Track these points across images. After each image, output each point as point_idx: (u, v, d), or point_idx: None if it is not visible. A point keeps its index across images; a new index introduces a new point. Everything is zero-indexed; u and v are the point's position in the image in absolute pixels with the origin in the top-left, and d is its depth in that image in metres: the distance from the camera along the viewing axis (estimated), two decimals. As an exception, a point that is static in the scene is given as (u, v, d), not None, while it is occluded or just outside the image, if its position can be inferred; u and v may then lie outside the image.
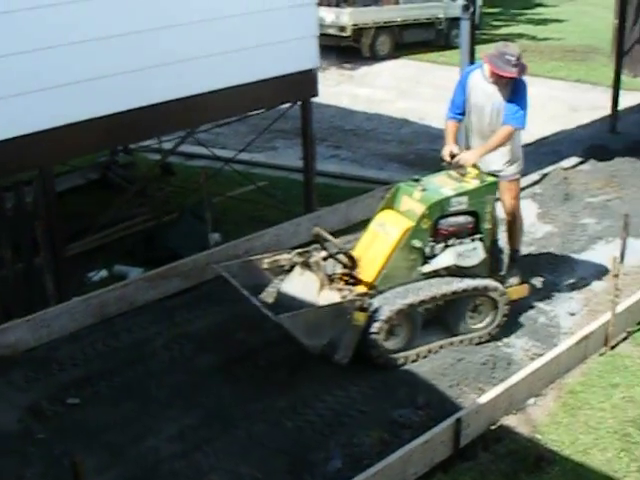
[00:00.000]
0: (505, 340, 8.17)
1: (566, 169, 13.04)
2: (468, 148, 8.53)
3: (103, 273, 9.91)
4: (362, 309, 7.39)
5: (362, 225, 10.63)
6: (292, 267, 8.01)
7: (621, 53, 15.88)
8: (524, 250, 9.99)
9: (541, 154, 14.03)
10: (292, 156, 13.97)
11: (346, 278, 7.89)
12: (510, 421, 7.07)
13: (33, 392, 7.53)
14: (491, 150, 8.24)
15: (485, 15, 28.73)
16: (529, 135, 15.19)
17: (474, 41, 11.50)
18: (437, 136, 14.66)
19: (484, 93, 8.28)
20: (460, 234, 7.92)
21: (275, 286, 8.05)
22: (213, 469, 6.38)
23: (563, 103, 18.04)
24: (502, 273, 8.62)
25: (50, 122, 8.28)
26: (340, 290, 7.66)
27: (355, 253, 7.92)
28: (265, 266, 8.04)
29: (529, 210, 11.52)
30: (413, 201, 7.88)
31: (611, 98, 15.48)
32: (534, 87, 19.15)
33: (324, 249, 8.03)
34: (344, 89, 19.54)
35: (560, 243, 10.40)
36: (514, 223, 8.94)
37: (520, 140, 8.67)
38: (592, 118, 16.46)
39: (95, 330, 8.56)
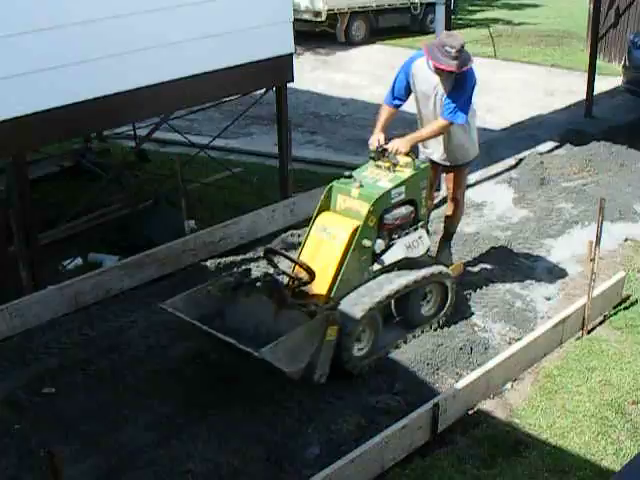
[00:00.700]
0: (482, 325, 8.20)
1: (542, 154, 13.08)
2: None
3: (78, 261, 9.84)
4: (333, 323, 7.04)
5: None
6: (237, 288, 7.53)
7: (596, 38, 15.96)
8: (500, 235, 10.04)
9: (517, 139, 14.11)
10: (268, 142, 13.92)
11: (297, 292, 7.42)
12: (487, 406, 7.09)
13: (8, 382, 7.48)
14: (422, 140, 8.20)
15: (461, 0, 28.74)
16: (504, 120, 15.34)
17: (450, 26, 11.47)
18: (412, 121, 14.67)
19: (428, 82, 8.05)
20: (404, 225, 7.76)
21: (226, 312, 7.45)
22: (190, 457, 6.36)
23: (539, 88, 18.05)
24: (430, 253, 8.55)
25: (21, 109, 8.19)
26: (302, 306, 7.17)
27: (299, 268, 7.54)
28: (209, 293, 7.45)
29: (505, 195, 11.60)
30: (352, 199, 7.58)
31: (587, 83, 15.52)
32: (510, 71, 19.34)
33: (274, 266, 7.75)
34: (319, 74, 19.49)
35: (536, 228, 10.43)
36: (456, 208, 8.90)
37: (473, 132, 8.54)
38: (568, 103, 16.56)
39: (70, 319, 8.52)
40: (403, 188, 7.66)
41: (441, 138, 8.26)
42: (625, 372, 7.52)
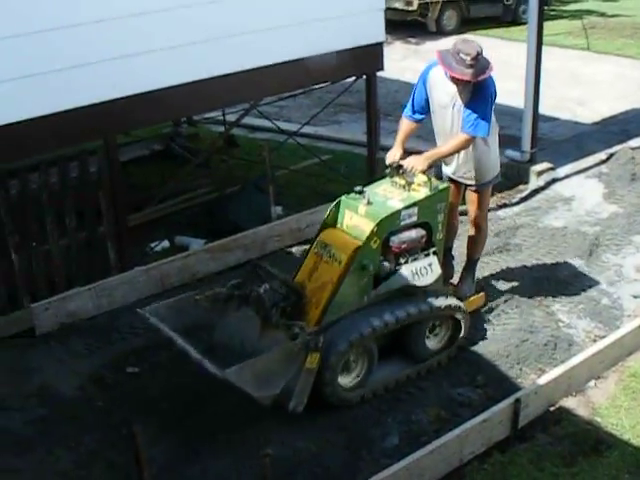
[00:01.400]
0: (567, 321, 8.10)
1: (634, 149, 12.82)
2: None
3: (165, 244, 9.96)
4: (315, 349, 6.45)
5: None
6: (228, 300, 7.04)
7: (693, 31, 15.60)
8: (588, 230, 9.91)
9: (609, 133, 13.85)
10: (356, 130, 13.91)
11: (290, 311, 6.83)
12: (569, 403, 7.00)
13: (94, 360, 7.61)
14: (442, 157, 7.59)
15: (554, -10, 28.36)
16: (596, 113, 15.10)
17: (542, 17, 11.32)
18: (502, 113, 14.49)
19: (446, 93, 7.45)
20: (413, 250, 7.17)
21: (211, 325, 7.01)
22: (269, 442, 6.39)
23: (632, 81, 17.71)
24: (452, 281, 8.25)
25: (115, 92, 8.31)
26: (287, 328, 6.56)
27: (298, 279, 7.07)
28: (198, 302, 7.01)
29: (595, 190, 11.41)
30: (359, 217, 7.06)
31: (682, 77, 15.21)
32: (602, 64, 19.03)
33: (263, 282, 6.99)
34: (410, 64, 19.37)
35: (625, 224, 10.25)
36: (478, 234, 8.24)
37: (495, 147, 7.87)
38: (662, 97, 16.21)
39: (155, 300, 8.60)
40: (415, 210, 7.09)
41: (462, 154, 7.66)
42: None
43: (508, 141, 12.84)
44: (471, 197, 8.04)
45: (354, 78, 11.03)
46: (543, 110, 12.06)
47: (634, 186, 11.43)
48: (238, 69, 9.20)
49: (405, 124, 7.79)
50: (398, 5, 22.55)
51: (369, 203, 7.07)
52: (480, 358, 7.47)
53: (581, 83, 16.35)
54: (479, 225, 8.17)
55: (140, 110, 8.64)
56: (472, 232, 8.25)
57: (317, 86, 11.68)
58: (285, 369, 6.37)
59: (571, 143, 13.00)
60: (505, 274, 8.90)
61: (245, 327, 6.75)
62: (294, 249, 9.53)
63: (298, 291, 6.85)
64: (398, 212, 6.99)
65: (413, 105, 7.73)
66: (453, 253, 8.53)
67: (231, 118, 12.53)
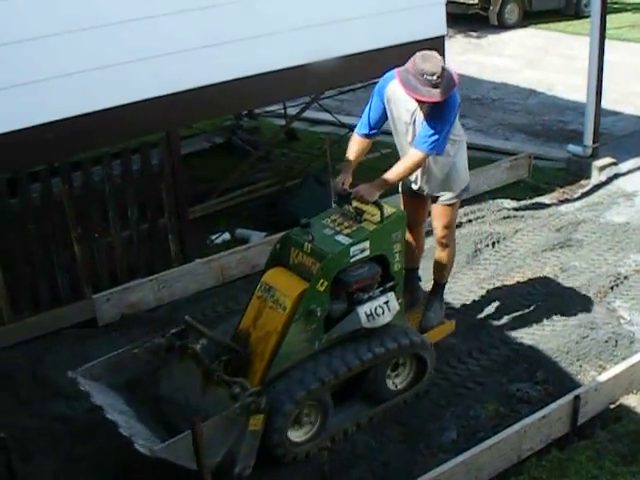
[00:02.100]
0: (628, 318, 8.02)
1: None
2: None
3: (225, 236, 10.01)
4: (257, 411, 5.79)
5: (485, 196, 10.62)
6: (169, 351, 6.38)
7: None
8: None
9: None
10: (417, 124, 13.87)
11: (234, 363, 6.22)
12: (630, 401, 6.92)
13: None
14: (395, 182, 6.84)
15: (619, -17, 28.04)
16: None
17: (605, 10, 11.19)
18: (565, 107, 14.47)
19: (406, 110, 6.67)
20: (367, 288, 6.41)
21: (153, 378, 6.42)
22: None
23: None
24: (417, 309, 7.51)
25: (177, 85, 8.38)
26: (229, 385, 5.87)
27: (243, 326, 6.38)
28: (136, 356, 6.39)
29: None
30: (304, 255, 6.30)
31: None
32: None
33: (201, 334, 6.29)
34: (471, 57, 19.28)
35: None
36: (445, 254, 7.38)
37: (462, 158, 7.05)
38: None
39: (216, 292, 8.69)
40: (367, 244, 6.31)
41: (422, 170, 6.90)
42: None
43: (570, 136, 12.79)
44: (437, 212, 7.22)
45: (415, 72, 10.99)
46: (606, 104, 11.94)
47: None
48: (299, 62, 9.22)
49: (358, 143, 6.99)
50: (460, -2, 22.43)
51: (315, 239, 6.31)
52: (540, 354, 7.42)
53: (642, 74, 16.14)
54: (446, 244, 7.33)
55: (202, 103, 8.69)
56: (438, 252, 7.42)
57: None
58: (225, 436, 5.72)
59: (634, 138, 12.84)
60: (566, 270, 8.83)
61: (188, 381, 6.16)
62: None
63: (234, 349, 6.20)
64: (347, 249, 6.22)
65: (368, 121, 6.89)
66: (420, 274, 7.81)
67: (292, 111, 12.56)
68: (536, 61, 17.69)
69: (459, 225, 9.80)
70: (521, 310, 8.10)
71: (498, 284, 8.60)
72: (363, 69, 9.98)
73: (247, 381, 5.91)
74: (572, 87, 14.49)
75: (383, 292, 6.51)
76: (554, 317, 7.97)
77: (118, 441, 5.82)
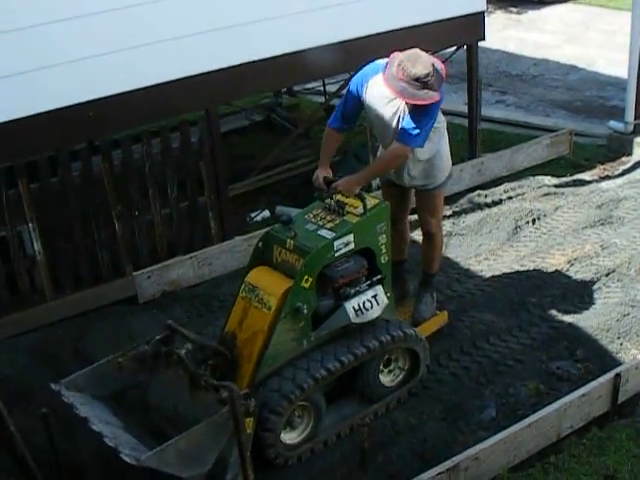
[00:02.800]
0: (670, 296, 7.97)
1: None
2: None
3: (265, 213, 10.04)
4: (247, 414, 5.45)
5: (525, 173, 10.57)
6: (155, 357, 6.04)
7: None
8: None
9: None
10: (457, 101, 13.79)
11: (221, 366, 6.04)
12: (671, 377, 6.90)
13: (194, 328, 7.69)
14: (377, 175, 6.96)
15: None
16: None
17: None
18: (606, 83, 14.33)
19: (390, 106, 6.51)
20: (354, 282, 6.24)
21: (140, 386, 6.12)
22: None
23: None
24: (408, 302, 7.39)
25: (216, 63, 8.39)
26: (216, 390, 5.52)
27: (229, 328, 6.21)
28: (121, 366, 6.02)
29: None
30: (287, 252, 6.17)
31: None
32: None
33: (186, 338, 5.99)
34: (511, 33, 19.14)
35: None
36: (432, 244, 7.26)
37: (444, 144, 6.99)
38: None
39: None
40: (351, 237, 6.15)
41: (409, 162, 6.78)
42: None
43: (611, 112, 12.68)
44: (422, 201, 7.13)
45: (455, 48, 10.94)
46: (648, 80, 11.82)
47: None
48: (338, 39, 9.20)
49: (331, 137, 6.83)
50: (500, -26, 22.26)
51: (297, 235, 6.18)
52: (580, 332, 7.39)
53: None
54: (432, 234, 7.20)
55: (241, 81, 8.71)
56: (425, 242, 7.33)
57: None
58: (214, 442, 5.39)
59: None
60: (607, 247, 8.77)
61: (175, 388, 5.90)
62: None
63: (220, 352, 6.02)
64: (330, 243, 6.07)
65: (343, 116, 6.74)
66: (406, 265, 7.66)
67: (331, 89, 12.54)
68: (576, 37, 17.53)
69: (499, 202, 9.78)
70: (561, 288, 8.06)
71: (538, 261, 8.57)
72: (402, 45, 9.91)
73: (235, 384, 5.50)
74: (613, 63, 14.34)
75: (370, 286, 6.34)
76: (594, 295, 7.94)
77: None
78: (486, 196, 9.92)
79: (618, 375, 6.40)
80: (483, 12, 10.55)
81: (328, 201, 6.46)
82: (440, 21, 10.01)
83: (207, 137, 8.72)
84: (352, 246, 6.17)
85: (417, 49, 6.38)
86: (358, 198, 6.32)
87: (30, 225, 7.88)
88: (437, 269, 7.47)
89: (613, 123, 11.70)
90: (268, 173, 10.60)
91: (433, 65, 6.20)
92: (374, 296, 6.30)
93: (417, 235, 8.06)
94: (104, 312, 8.07)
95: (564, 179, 10.57)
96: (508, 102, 14.45)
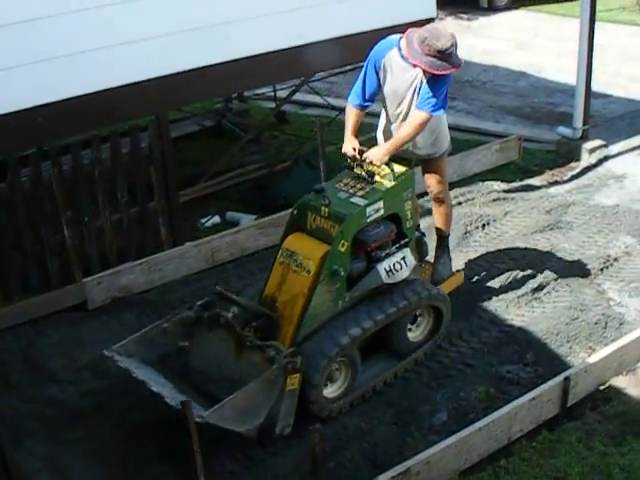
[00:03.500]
0: (618, 299, 8.04)
1: None
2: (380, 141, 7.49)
3: (215, 219, 10.01)
4: (294, 370, 6.08)
5: (475, 178, 10.63)
6: (197, 323, 6.63)
7: None
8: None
9: None
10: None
11: (263, 328, 6.46)
12: (620, 382, 6.96)
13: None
14: (405, 143, 7.00)
15: (609, -35, 28.00)
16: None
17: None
18: (555, 89, 14.44)
19: (405, 76, 6.92)
20: (384, 246, 6.74)
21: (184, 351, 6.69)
22: (319, 417, 6.41)
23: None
24: (427, 258, 7.82)
25: (166, 69, 8.36)
26: (262, 350, 6.16)
27: (267, 292, 6.62)
28: (166, 331, 6.64)
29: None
30: (322, 219, 6.57)
31: None
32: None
33: (231, 301, 6.59)
34: (461, 40, 19.09)
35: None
36: (443, 208, 7.76)
37: (444, 117, 7.38)
38: None
39: (206, 275, 8.69)
40: (381, 203, 6.63)
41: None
42: None
43: (560, 118, 12.79)
44: (431, 169, 7.57)
45: (405, 54, 10.98)
46: (596, 87, 11.93)
47: None
48: (288, 45, 9.20)
49: (354, 114, 7.18)
50: (450, -20, 22.40)
51: (331, 202, 6.56)
52: (530, 336, 7.45)
53: (635, 59, 16.11)
54: (442, 199, 7.70)
55: (191, 86, 8.68)
56: (436, 208, 7.79)
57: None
58: (266, 397, 6.04)
59: (624, 120, 12.85)
60: (556, 252, 8.84)
61: (220, 350, 6.40)
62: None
63: (265, 313, 6.47)
64: (363, 210, 6.53)
65: (363, 93, 7.10)
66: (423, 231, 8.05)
67: (282, 94, 12.55)
68: (526, 43, 17.67)
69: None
70: (511, 292, 8.11)
71: (488, 266, 8.61)
72: (354, 51, 9.94)
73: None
74: (562, 69, 14.46)
75: (399, 249, 6.84)
76: (544, 299, 8.00)
77: (109, 425, 5.84)
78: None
79: (567, 378, 6.47)
80: (433, 19, 10.60)
81: (357, 170, 6.88)
82: (391, 27, 9.99)
83: (157, 142, 8.68)
84: (382, 212, 6.67)
85: (434, 24, 7.05)
86: (387, 166, 6.77)
87: (-22, 231, 7.80)
88: (449, 231, 7.96)
89: (562, 129, 11.80)
90: (218, 179, 10.58)
91: (452, 36, 6.70)
92: (403, 258, 6.83)
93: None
94: (54, 319, 7.99)
95: (513, 184, 10.64)
96: (458, 108, 14.50)
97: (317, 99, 12.85)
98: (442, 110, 6.95)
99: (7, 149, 7.86)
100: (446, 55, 6.60)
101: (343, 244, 6.42)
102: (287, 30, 9.17)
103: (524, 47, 17.45)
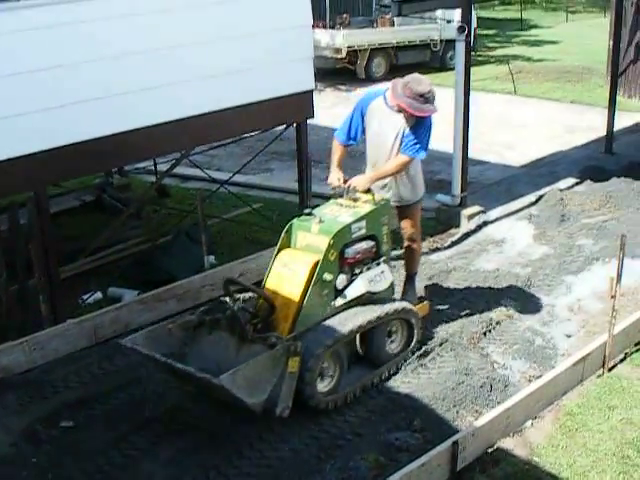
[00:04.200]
0: (502, 362, 8.14)
1: (562, 190, 13.05)
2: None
3: (97, 295, 9.87)
4: (295, 354, 6.93)
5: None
6: (198, 327, 7.43)
7: (616, 74, 15.97)
8: (520, 272, 10.02)
9: (537, 175, 14.11)
10: (287, 178, 13.97)
11: (261, 327, 7.35)
12: (507, 444, 7.02)
13: (27, 415, 7.47)
14: (385, 177, 8.13)
15: (480, 37, 28.88)
16: (524, 156, 15.34)
17: (469, 63, 11.51)
18: (433, 157, 14.57)
19: (390, 123, 8.06)
20: (366, 260, 7.73)
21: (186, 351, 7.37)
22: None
23: (559, 124, 18.08)
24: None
25: (45, 144, 8.26)
26: (264, 340, 7.06)
27: (261, 301, 7.49)
28: (171, 331, 7.33)
29: (525, 231, 11.57)
30: (312, 235, 7.57)
31: (606, 119, 15.53)
32: (529, 108, 19.35)
33: (233, 299, 7.44)
34: (339, 111, 19.43)
35: (557, 264, 10.38)
36: (415, 249, 8.85)
37: (419, 166, 8.47)
38: (588, 139, 16.57)
39: (90, 353, 8.53)
40: (364, 223, 7.67)
41: (394, 177, 8.26)
42: (646, 411, 7.46)
43: (439, 185, 13.01)
44: (409, 214, 8.57)
45: (285, 126, 11.08)
46: (473, 154, 12.22)
47: (564, 227, 11.60)
48: (169, 119, 9.20)
49: (339, 149, 8.35)
50: (327, 53, 22.78)
51: (321, 221, 7.55)
52: (417, 402, 7.46)
53: (509, 127, 16.58)
54: (415, 240, 8.76)
55: (70, 161, 8.59)
56: (409, 248, 8.79)
57: (248, 135, 11.72)
58: (271, 374, 6.83)
59: (501, 186, 13.16)
60: (439, 317, 8.93)
61: (220, 349, 7.21)
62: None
63: (271, 302, 7.31)
64: (349, 226, 7.53)
65: (349, 132, 8.28)
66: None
67: (162, 168, 12.51)
68: (403, 113, 17.96)
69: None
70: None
71: (373, 334, 8.64)
72: (233, 124, 10.02)
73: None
74: (440, 137, 14.62)
75: (378, 265, 7.84)
76: (429, 365, 8.04)
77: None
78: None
79: (456, 443, 6.49)
80: (312, 91, 10.74)
81: (341, 200, 7.91)
82: (270, 100, 10.13)
83: (36, 218, 8.54)
84: (364, 231, 7.70)
85: (416, 73, 8.16)
86: (368, 193, 7.93)
87: None
88: (417, 269, 9.05)
89: (441, 196, 12.01)
90: (100, 254, 10.46)
91: (430, 84, 7.90)
92: (382, 272, 7.86)
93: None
94: None
95: (395, 252, 10.71)
96: (339, 178, 14.66)
97: (198, 172, 12.84)
98: (424, 152, 8.02)
99: None
100: (425, 98, 7.76)
101: (332, 253, 7.40)
102: (167, 104, 9.17)
103: (401, 117, 17.72)
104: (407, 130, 7.95)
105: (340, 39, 23.06)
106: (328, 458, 6.81)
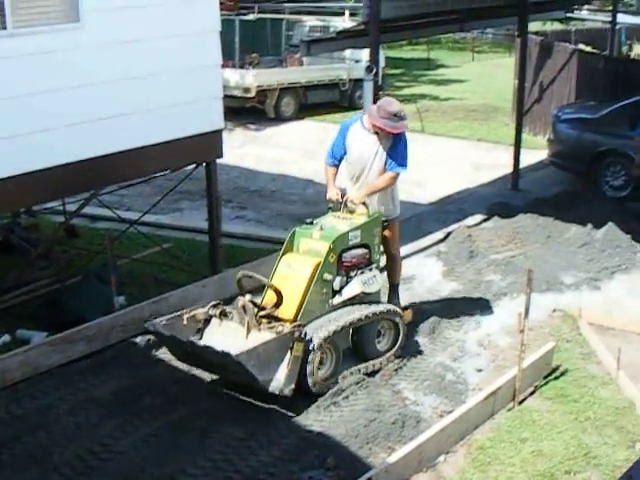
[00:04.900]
0: (413, 398, 8.20)
1: (470, 227, 13.25)
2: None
3: (5, 338, 9.69)
4: (300, 339, 7.80)
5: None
6: (207, 321, 8.42)
7: (521, 112, 16.32)
8: (430, 308, 10.09)
9: (445, 212, 14.30)
10: (197, 217, 13.93)
11: (265, 320, 8.27)
12: (421, 479, 7.04)
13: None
14: (376, 191, 9.07)
15: (388, 76, 29.19)
16: (433, 194, 15.53)
17: (377, 101, 11.62)
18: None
19: (369, 144, 9.06)
20: (360, 265, 8.72)
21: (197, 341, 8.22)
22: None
23: (466, 162, 18.35)
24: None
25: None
26: (271, 329, 8.04)
27: (268, 295, 8.40)
28: (185, 322, 8.25)
29: (434, 268, 11.70)
30: (314, 241, 8.60)
31: (512, 156, 15.83)
32: (437, 146, 19.60)
33: (243, 292, 8.40)
34: (249, 150, 19.57)
35: (466, 300, 10.48)
36: (396, 262, 9.78)
37: (396, 183, 9.31)
38: (495, 176, 16.86)
39: (-3, 397, 8.37)
40: (359, 232, 8.72)
41: (381, 195, 9.16)
42: (557, 442, 7.55)
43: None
44: (391, 230, 9.45)
45: (194, 165, 11.07)
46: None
47: (472, 263, 11.75)
48: (77, 158, 9.13)
49: (330, 170, 9.39)
50: (237, 92, 22.80)
51: (322, 229, 8.62)
52: (329, 440, 7.45)
53: (417, 165, 16.63)
54: (396, 254, 9.75)
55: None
56: (391, 262, 9.75)
57: (158, 174, 11.66)
58: (279, 357, 7.79)
59: (410, 224, 13.25)
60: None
61: (230, 337, 8.04)
62: (138, 339, 9.37)
63: (280, 294, 8.18)
64: (347, 233, 8.62)
65: (334, 155, 9.37)
66: None
67: (71, 208, 12.38)
68: (313, 152, 18.06)
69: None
70: (307, 398, 8.12)
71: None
72: (143, 164, 9.99)
73: None
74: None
75: (370, 270, 8.85)
76: (342, 403, 8.04)
77: None
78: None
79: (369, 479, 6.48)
80: (221, 130, 10.76)
81: (339, 213, 8.99)
82: (179, 139, 10.13)
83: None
84: (359, 239, 8.76)
85: (386, 97, 9.99)
86: (363, 205, 8.90)
87: None
88: (399, 280, 9.91)
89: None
90: (7, 295, 10.28)
91: (399, 104, 9.01)
92: (374, 276, 8.88)
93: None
94: None
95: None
96: (248, 217, 14.72)
97: (107, 212, 12.73)
98: (405, 167, 9.02)
99: None
100: (399, 117, 8.83)
101: (332, 256, 8.46)
102: (74, 143, 9.10)
103: (311, 156, 17.85)
104: (387, 148, 8.98)
105: (249, 79, 23.10)
106: (241, 500, 6.76)
